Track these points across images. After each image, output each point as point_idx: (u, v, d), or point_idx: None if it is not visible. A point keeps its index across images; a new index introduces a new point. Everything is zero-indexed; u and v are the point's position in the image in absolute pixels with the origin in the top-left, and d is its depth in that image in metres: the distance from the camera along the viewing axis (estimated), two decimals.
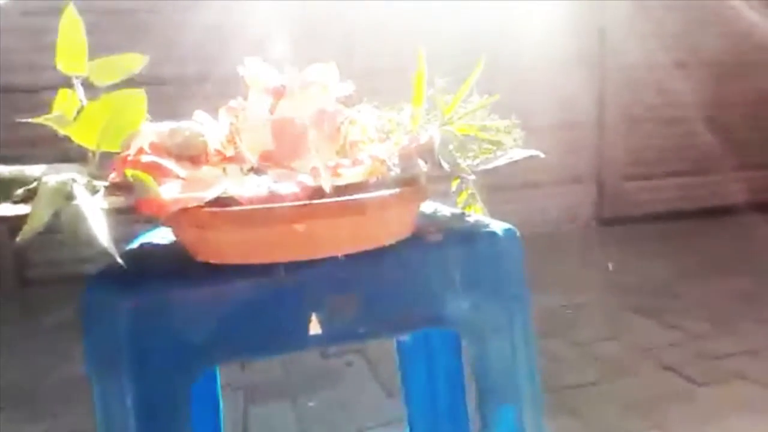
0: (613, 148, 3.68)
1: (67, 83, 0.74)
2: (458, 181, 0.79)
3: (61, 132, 0.71)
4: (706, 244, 3.11)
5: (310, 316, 0.62)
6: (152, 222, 0.80)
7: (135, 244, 0.76)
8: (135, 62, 0.78)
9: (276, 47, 2.89)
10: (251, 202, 0.56)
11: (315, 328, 0.62)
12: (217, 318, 0.59)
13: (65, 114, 0.72)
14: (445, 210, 0.81)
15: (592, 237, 3.50)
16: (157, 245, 0.74)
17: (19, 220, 0.61)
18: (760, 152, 3.88)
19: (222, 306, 0.59)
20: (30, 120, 0.71)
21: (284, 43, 2.82)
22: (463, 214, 0.77)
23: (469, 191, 0.80)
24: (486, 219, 0.73)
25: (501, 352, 0.66)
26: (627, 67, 3.60)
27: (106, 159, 0.69)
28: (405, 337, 1.04)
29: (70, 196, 0.55)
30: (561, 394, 1.54)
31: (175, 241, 0.75)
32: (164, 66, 2.77)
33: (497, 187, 2.21)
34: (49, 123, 0.71)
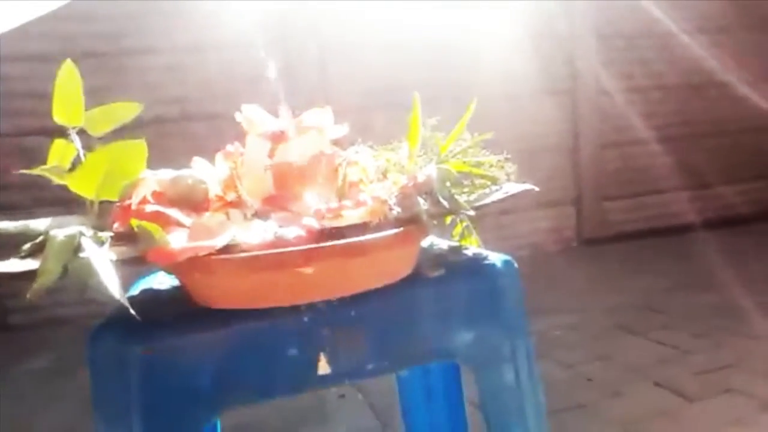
0: (589, 170, 3.77)
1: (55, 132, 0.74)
2: (452, 215, 0.82)
3: (58, 182, 0.71)
4: (684, 259, 3.18)
5: (319, 356, 0.62)
6: (152, 268, 0.80)
7: (136, 290, 0.76)
8: (129, 111, 0.79)
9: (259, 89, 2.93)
10: (259, 248, 0.57)
11: (324, 368, 0.63)
12: (227, 362, 0.59)
13: (61, 164, 0.73)
14: (441, 243, 0.83)
15: (574, 258, 3.56)
16: (159, 291, 0.75)
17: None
18: (730, 168, 4.00)
19: (231, 350, 0.60)
20: (27, 171, 0.72)
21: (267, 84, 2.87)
22: (460, 247, 0.79)
23: (464, 224, 0.82)
24: (483, 251, 0.75)
25: (506, 382, 0.68)
26: (597, 94, 3.73)
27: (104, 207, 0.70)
28: (404, 373, 1.05)
29: (78, 250, 0.56)
30: (556, 417, 1.55)
31: (176, 286, 0.76)
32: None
33: (477, 213, 2.25)
34: (46, 174, 0.72)
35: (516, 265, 0.72)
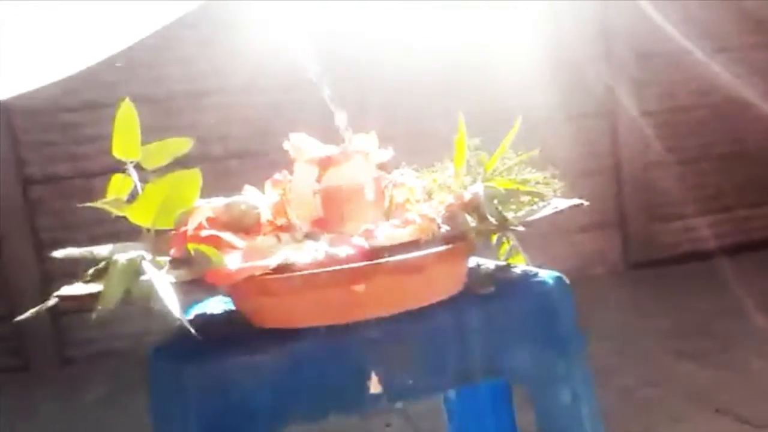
0: (633, 192, 3.69)
1: (107, 170, 0.78)
2: (498, 234, 0.81)
3: (117, 213, 0.75)
4: (737, 281, 3.05)
5: (370, 375, 0.63)
6: (206, 293, 0.83)
7: (190, 315, 0.78)
8: (182, 146, 0.83)
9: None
10: (311, 267, 0.58)
11: (375, 387, 0.63)
12: (282, 381, 0.60)
13: (120, 196, 0.76)
14: (488, 263, 0.83)
15: (620, 281, 3.46)
16: (213, 314, 0.76)
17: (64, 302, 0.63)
18: None
19: (286, 370, 0.60)
20: (90, 205, 0.75)
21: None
22: (508, 265, 0.78)
23: (511, 243, 0.82)
24: (532, 269, 0.75)
25: (563, 402, 0.66)
26: (638, 114, 3.67)
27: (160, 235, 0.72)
28: (452, 394, 1.03)
29: (139, 273, 0.58)
30: None
31: (228, 310, 0.78)
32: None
33: (518, 236, 2.22)
34: (106, 207, 0.75)
35: (567, 281, 0.71)
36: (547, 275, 0.71)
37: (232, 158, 3.10)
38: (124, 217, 0.71)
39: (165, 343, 0.66)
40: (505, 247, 0.82)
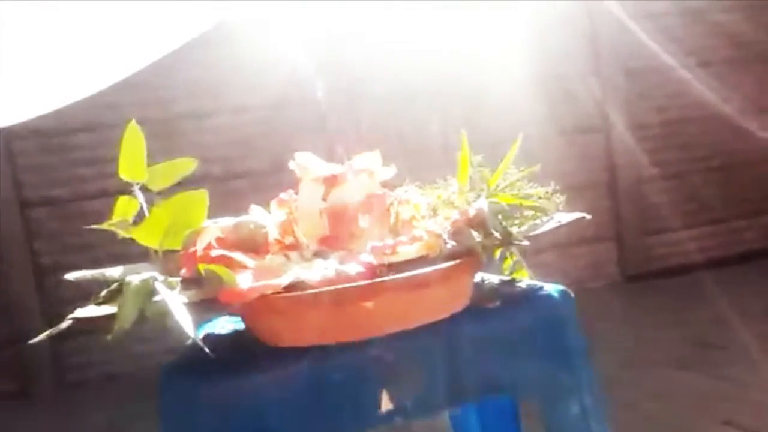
0: (629, 206, 3.71)
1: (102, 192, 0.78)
2: (500, 249, 0.82)
3: (124, 235, 0.76)
4: (733, 292, 3.06)
5: (381, 392, 0.63)
6: (215, 313, 0.83)
7: (200, 335, 0.78)
8: (187, 167, 0.84)
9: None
10: (321, 284, 0.59)
11: (386, 404, 0.63)
12: (294, 399, 0.61)
13: (126, 218, 0.77)
14: (492, 278, 0.84)
15: (618, 294, 3.46)
16: (222, 334, 0.77)
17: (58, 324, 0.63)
18: None
19: (298, 388, 0.61)
20: (96, 227, 0.76)
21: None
22: (512, 280, 0.79)
23: (514, 258, 0.83)
24: (537, 282, 0.76)
25: (573, 416, 0.67)
26: (630, 129, 3.71)
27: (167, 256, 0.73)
28: (457, 410, 1.03)
29: (153, 293, 0.59)
30: None
31: (237, 330, 0.78)
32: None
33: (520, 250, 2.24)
34: (114, 228, 0.76)
35: (572, 294, 0.72)
36: (552, 289, 0.72)
37: (233, 179, 3.11)
38: (130, 239, 0.72)
39: (176, 363, 0.67)
40: (509, 262, 0.83)
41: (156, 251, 0.71)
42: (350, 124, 3.20)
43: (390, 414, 0.63)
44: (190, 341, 0.76)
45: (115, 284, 0.62)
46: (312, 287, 0.58)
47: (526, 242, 0.66)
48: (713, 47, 3.81)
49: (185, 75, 3.12)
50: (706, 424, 1.66)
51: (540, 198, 0.75)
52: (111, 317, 0.58)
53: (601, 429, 0.67)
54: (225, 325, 0.82)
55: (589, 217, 0.71)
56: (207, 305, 0.61)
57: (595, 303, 3.25)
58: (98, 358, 2.96)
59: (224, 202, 0.76)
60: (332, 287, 0.58)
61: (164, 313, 0.56)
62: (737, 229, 3.83)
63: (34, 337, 0.62)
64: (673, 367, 2.13)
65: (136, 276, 0.60)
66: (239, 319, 0.84)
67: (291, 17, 3.05)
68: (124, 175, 0.79)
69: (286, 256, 0.69)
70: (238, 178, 3.12)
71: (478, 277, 0.85)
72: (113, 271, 0.64)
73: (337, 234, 0.71)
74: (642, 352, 2.34)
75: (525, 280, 0.79)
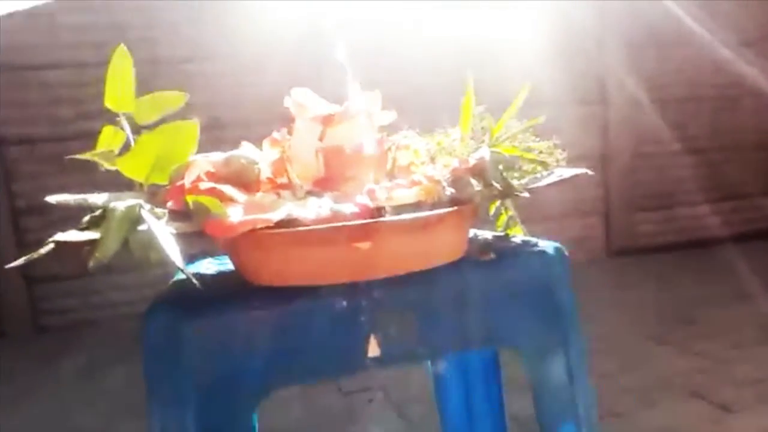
0: (619, 181, 3.72)
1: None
2: (496, 204, 0.81)
3: (108, 167, 0.72)
4: (715, 272, 3.11)
5: (369, 337, 0.62)
6: (199, 253, 0.81)
7: (181, 276, 0.76)
8: (176, 100, 0.80)
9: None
10: (315, 223, 0.57)
11: (374, 350, 0.62)
12: (280, 340, 0.59)
13: (111, 149, 0.74)
14: (486, 234, 0.82)
15: (602, 269, 3.50)
16: (207, 274, 0.75)
17: (35, 267, 0.60)
18: (763, 181, 3.92)
19: (285, 328, 0.59)
20: (79, 156, 0.73)
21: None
22: (506, 235, 0.78)
23: (509, 214, 0.81)
24: (532, 239, 0.74)
25: (559, 371, 0.66)
26: (628, 105, 3.69)
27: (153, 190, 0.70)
28: (440, 368, 1.03)
29: (138, 222, 0.56)
30: None
31: (223, 270, 0.76)
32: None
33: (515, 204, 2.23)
34: (97, 159, 0.73)
35: (566, 252, 0.71)
36: (547, 245, 0.71)
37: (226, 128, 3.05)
38: (112, 174, 0.69)
39: (161, 298, 0.65)
40: (503, 218, 0.82)
41: (141, 185, 0.68)
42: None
43: (377, 360, 0.62)
44: (174, 279, 0.75)
45: (99, 211, 0.59)
46: (305, 225, 0.56)
47: (526, 194, 0.65)
48: (737, 26, 3.75)
49: (168, 17, 3.03)
50: (676, 396, 1.69)
51: (541, 153, 0.73)
52: (93, 245, 0.56)
53: (584, 386, 0.67)
54: (209, 266, 0.80)
55: (591, 173, 0.69)
56: (194, 238, 0.59)
57: (579, 276, 3.28)
58: (75, 303, 2.94)
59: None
60: (327, 225, 0.55)
61: (150, 243, 0.54)
62: (726, 210, 3.87)
63: (12, 282, 0.60)
64: (652, 341, 2.16)
65: (121, 203, 0.58)
66: (224, 261, 0.82)
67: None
68: (111, 104, 0.75)
69: (278, 194, 0.67)
70: (226, 127, 3.06)
71: (472, 232, 0.84)
72: (97, 198, 0.61)
73: (332, 176, 0.69)
74: (621, 325, 2.37)
75: (519, 236, 0.78)
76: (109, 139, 0.76)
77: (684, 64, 3.76)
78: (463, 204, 0.63)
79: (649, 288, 2.94)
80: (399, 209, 0.61)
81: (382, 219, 0.56)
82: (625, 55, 3.67)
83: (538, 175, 0.70)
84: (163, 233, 0.54)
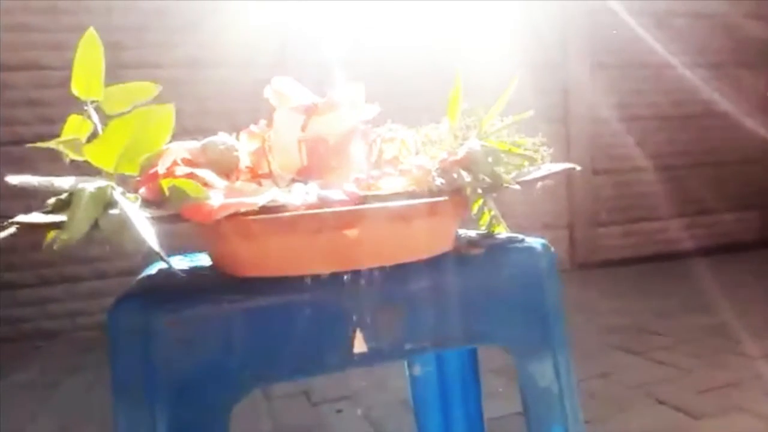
0: (582, 196, 3.80)
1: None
2: (479, 204, 0.79)
3: (73, 157, 0.68)
4: (676, 284, 3.19)
5: (355, 332, 0.59)
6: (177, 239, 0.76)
7: (153, 270, 0.72)
8: (147, 91, 0.76)
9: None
10: (302, 208, 0.54)
11: (360, 345, 0.59)
12: (259, 335, 0.56)
13: (78, 137, 0.70)
14: (470, 233, 0.81)
15: (566, 281, 3.53)
16: (181, 268, 0.71)
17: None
18: (721, 197, 4.06)
19: (264, 322, 0.56)
20: (42, 144, 0.68)
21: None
22: (492, 233, 0.77)
23: (492, 212, 0.80)
24: (518, 235, 0.73)
25: (547, 369, 0.65)
26: (591, 122, 3.78)
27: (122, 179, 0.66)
28: (417, 369, 1.01)
29: (110, 204, 0.52)
30: None
31: (197, 265, 0.72)
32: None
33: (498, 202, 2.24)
34: (62, 147, 0.68)
35: (553, 249, 0.70)
36: (533, 241, 0.70)
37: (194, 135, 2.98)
38: (78, 165, 0.65)
39: (128, 293, 0.60)
40: (486, 217, 0.80)
41: (110, 175, 0.64)
42: None
43: (363, 357, 0.59)
44: (143, 274, 0.70)
45: (65, 194, 0.55)
46: (291, 210, 0.53)
47: (516, 186, 0.63)
48: (697, 49, 3.90)
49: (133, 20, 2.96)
50: (642, 402, 1.71)
51: (527, 149, 0.72)
52: (60, 226, 0.51)
53: (570, 384, 0.66)
54: (182, 262, 0.76)
55: (579, 168, 0.69)
56: (170, 223, 0.55)
57: None
58: (29, 313, 2.81)
59: None
60: (313, 211, 0.53)
61: (122, 226, 0.50)
62: (685, 225, 3.99)
63: None
64: (615, 350, 2.19)
65: (90, 184, 0.54)
66: (197, 258, 0.78)
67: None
68: (78, 91, 0.71)
69: (259, 183, 0.64)
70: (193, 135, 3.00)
71: (456, 231, 0.82)
72: (63, 181, 0.57)
73: (315, 166, 0.66)
74: (588, 336, 2.40)
75: (505, 233, 0.77)
76: (75, 127, 0.71)
77: (645, 84, 3.88)
78: (452, 195, 0.61)
79: (613, 300, 2.99)
80: (389, 198, 0.59)
81: (372, 205, 0.54)
82: (588, 75, 3.77)
83: (525, 170, 0.69)
84: (137, 215, 0.50)
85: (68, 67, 0.68)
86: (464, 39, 3.43)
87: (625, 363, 2.05)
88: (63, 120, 0.70)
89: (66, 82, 0.68)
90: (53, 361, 2.46)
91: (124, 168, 0.64)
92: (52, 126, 2.54)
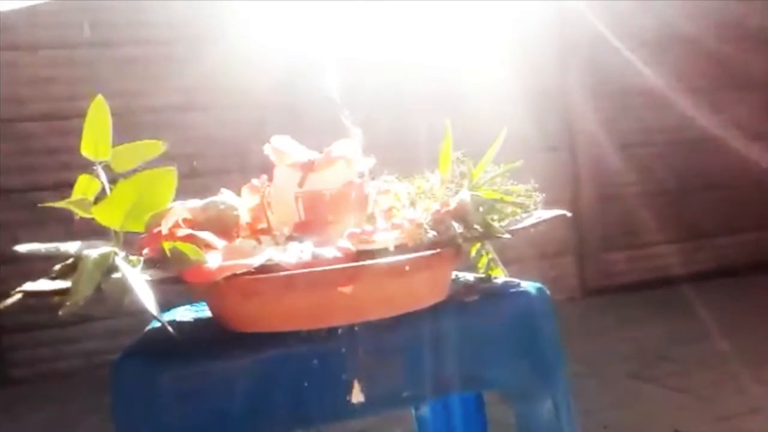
0: (590, 223, 3.79)
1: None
2: (477, 247, 0.81)
3: (82, 215, 0.71)
4: (689, 309, 3.15)
5: (353, 383, 0.60)
6: (175, 300, 0.79)
7: (157, 323, 0.74)
8: (154, 149, 0.79)
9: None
10: (297, 267, 0.56)
11: (357, 396, 0.60)
12: (260, 387, 0.57)
13: (86, 197, 0.72)
14: (467, 276, 0.82)
15: (578, 308, 3.51)
16: (183, 322, 0.73)
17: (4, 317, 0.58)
18: (724, 221, 4.02)
19: (264, 375, 0.57)
20: (52, 204, 0.71)
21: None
22: (488, 277, 0.78)
23: (490, 256, 0.81)
24: (514, 279, 0.74)
25: (544, 413, 0.65)
26: (594, 149, 3.79)
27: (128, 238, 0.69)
28: (423, 410, 1.01)
29: (111, 269, 0.55)
30: None
31: (199, 317, 0.74)
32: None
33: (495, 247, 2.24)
34: (72, 207, 0.71)
35: (548, 293, 0.71)
36: (529, 285, 0.71)
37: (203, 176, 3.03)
38: (87, 222, 0.68)
39: (132, 348, 0.63)
40: (484, 260, 0.82)
41: (117, 232, 0.66)
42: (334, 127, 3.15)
43: (361, 406, 0.60)
44: (149, 327, 0.72)
45: (71, 259, 0.57)
46: (286, 270, 0.55)
47: (507, 235, 0.65)
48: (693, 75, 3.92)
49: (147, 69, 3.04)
50: (658, 430, 1.69)
51: (520, 195, 0.73)
52: (65, 292, 0.54)
53: (571, 425, 0.66)
54: (185, 313, 0.78)
55: (569, 214, 0.70)
56: (171, 285, 0.57)
57: (557, 315, 3.28)
58: (45, 354, 2.83)
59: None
60: (309, 270, 0.55)
61: (123, 290, 0.52)
62: (694, 248, 3.95)
63: None
64: (631, 378, 2.16)
65: (94, 250, 0.56)
66: (200, 308, 0.80)
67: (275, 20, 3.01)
68: (87, 152, 0.74)
69: (258, 240, 0.66)
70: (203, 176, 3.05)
71: (454, 274, 0.83)
72: (69, 246, 0.59)
73: (312, 220, 0.68)
74: (602, 364, 2.37)
75: (501, 277, 0.78)
76: (84, 187, 0.74)
77: (644, 111, 3.90)
78: (444, 246, 0.63)
79: (627, 326, 2.96)
80: (381, 253, 0.60)
81: (365, 263, 0.56)
82: (590, 104, 3.79)
83: (518, 218, 0.70)
84: (138, 280, 0.52)
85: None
86: (464, 67, 3.47)
87: (641, 391, 2.02)
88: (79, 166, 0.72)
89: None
90: (70, 402, 2.47)
91: (130, 226, 0.67)
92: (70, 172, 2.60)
